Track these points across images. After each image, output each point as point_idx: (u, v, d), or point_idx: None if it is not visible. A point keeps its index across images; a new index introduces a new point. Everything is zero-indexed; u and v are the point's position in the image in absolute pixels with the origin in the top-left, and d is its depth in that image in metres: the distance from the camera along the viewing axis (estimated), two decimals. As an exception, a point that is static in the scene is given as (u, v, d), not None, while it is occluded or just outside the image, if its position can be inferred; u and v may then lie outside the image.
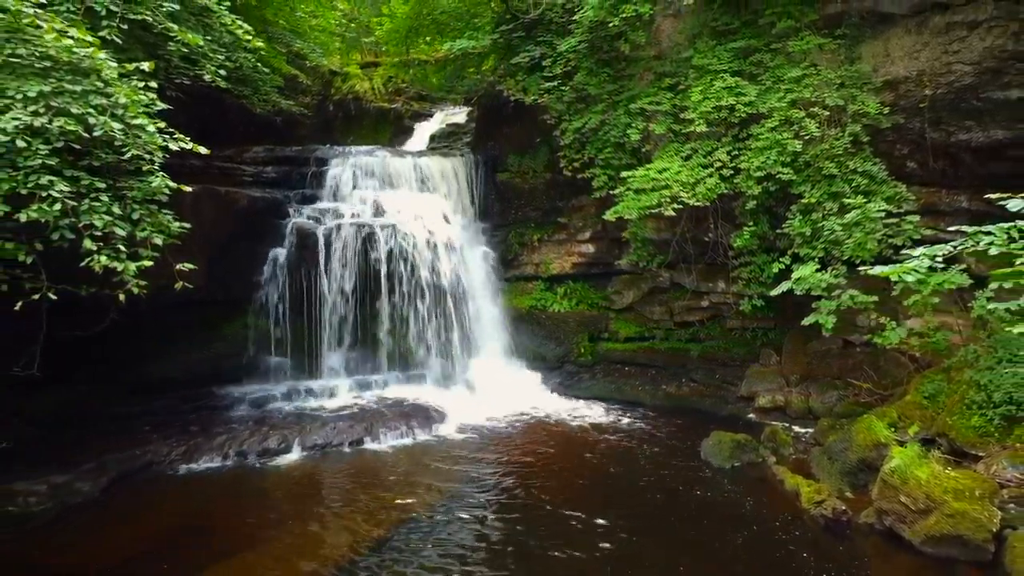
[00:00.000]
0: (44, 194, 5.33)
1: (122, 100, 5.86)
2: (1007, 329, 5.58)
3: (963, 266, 6.38)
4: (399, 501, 7.09)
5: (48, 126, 5.34)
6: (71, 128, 5.41)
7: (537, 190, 12.70)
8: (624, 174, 9.64)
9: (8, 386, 6.58)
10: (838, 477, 7.10)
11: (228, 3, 9.52)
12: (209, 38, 9.09)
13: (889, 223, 7.55)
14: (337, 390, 10.70)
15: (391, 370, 11.36)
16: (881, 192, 7.99)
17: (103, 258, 5.60)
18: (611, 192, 10.12)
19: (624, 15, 9.72)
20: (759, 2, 9.30)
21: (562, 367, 12.07)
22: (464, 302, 11.91)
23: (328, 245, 11.07)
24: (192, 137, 6.56)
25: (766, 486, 7.35)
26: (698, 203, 8.86)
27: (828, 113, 8.27)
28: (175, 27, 7.84)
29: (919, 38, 7.84)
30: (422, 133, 18.48)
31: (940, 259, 5.76)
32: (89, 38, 5.94)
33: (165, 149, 6.21)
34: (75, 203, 5.52)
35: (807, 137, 8.28)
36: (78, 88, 5.64)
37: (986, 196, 5.92)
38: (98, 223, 5.59)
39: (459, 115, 18.68)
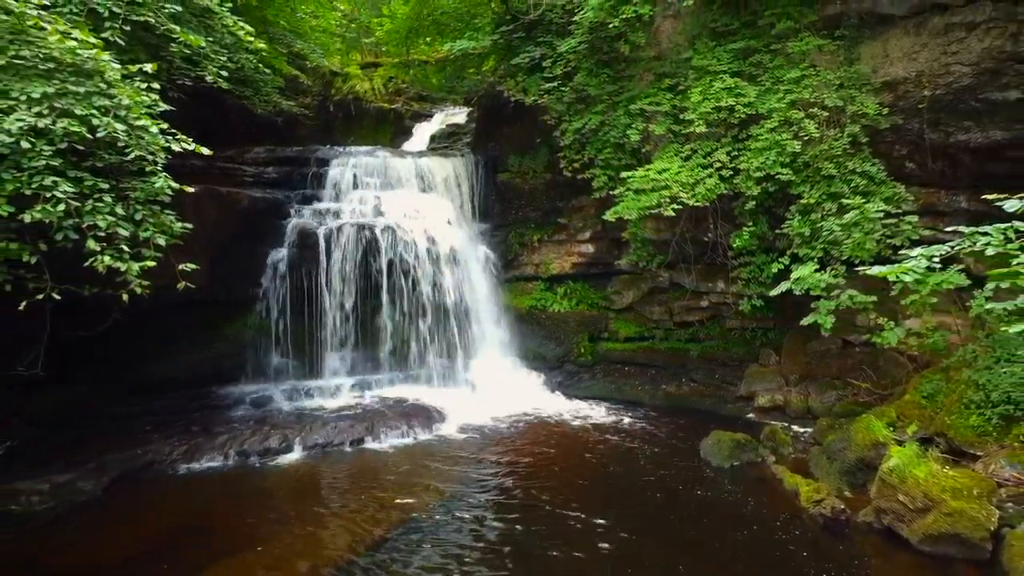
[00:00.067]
0: (48, 195, 5.37)
1: (125, 101, 5.90)
2: (1003, 329, 5.61)
3: (961, 266, 6.40)
4: (400, 501, 7.11)
5: (52, 127, 5.38)
6: (75, 129, 5.45)
7: (537, 190, 12.73)
8: (624, 174, 9.68)
9: (8, 386, 6.62)
10: (837, 476, 7.13)
11: (229, 4, 9.56)
12: (211, 39, 9.14)
13: (888, 223, 7.57)
14: (338, 390, 10.74)
15: (392, 370, 11.40)
16: (880, 192, 8.03)
17: (106, 258, 5.64)
18: (611, 192, 10.16)
19: (624, 16, 9.77)
20: (758, 3, 9.33)
21: (562, 367, 12.10)
22: (464, 302, 11.94)
23: (329, 245, 11.11)
24: (194, 138, 6.60)
25: (765, 485, 7.37)
26: (698, 203, 8.88)
27: (827, 114, 8.30)
28: (177, 29, 7.88)
29: (918, 39, 7.87)
30: (422, 133, 18.52)
31: (937, 259, 5.79)
32: (92, 40, 5.99)
33: (168, 150, 6.25)
34: (79, 204, 5.56)
35: (806, 138, 8.31)
36: (82, 89, 5.68)
37: (983, 197, 5.96)
38: (101, 223, 5.62)
39: (459, 115, 18.71)
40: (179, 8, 8.13)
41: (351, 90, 19.71)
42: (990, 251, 5.07)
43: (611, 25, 9.91)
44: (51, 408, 8.66)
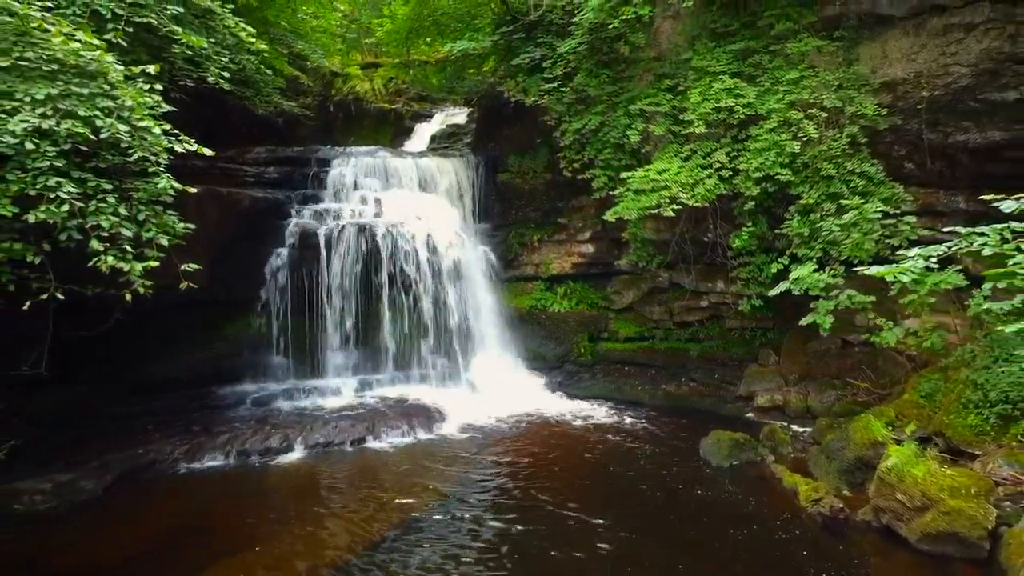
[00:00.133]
0: (52, 195, 5.41)
1: (128, 102, 5.94)
2: (998, 329, 5.64)
3: (960, 267, 6.43)
4: (400, 501, 7.14)
5: (56, 128, 5.42)
6: (78, 130, 5.48)
7: (537, 190, 12.77)
8: (624, 175, 9.71)
9: (8, 386, 6.65)
10: (836, 475, 7.16)
11: (231, 6, 9.60)
12: (212, 40, 9.17)
13: (887, 224, 7.60)
14: (339, 389, 10.78)
15: (392, 369, 11.44)
16: (879, 193, 8.05)
17: (110, 258, 5.68)
18: (611, 193, 10.19)
19: (624, 17, 9.80)
20: (758, 4, 9.36)
21: (562, 367, 12.13)
22: (465, 302, 11.97)
23: (329, 245, 11.15)
24: (195, 138, 6.63)
25: (765, 484, 7.40)
26: (697, 204, 8.91)
27: (826, 114, 8.33)
28: (179, 30, 7.91)
29: (917, 40, 7.90)
30: (422, 134, 18.56)
31: (935, 260, 5.82)
32: (95, 41, 6.01)
33: (170, 151, 6.29)
34: (82, 204, 5.60)
35: (805, 138, 8.34)
36: (85, 91, 5.72)
37: (980, 197, 5.98)
38: (105, 224, 5.66)
39: (459, 116, 18.74)
40: (181, 9, 8.17)
41: (351, 90, 19.75)
42: (987, 251, 5.11)
43: (611, 26, 9.94)
44: (51, 408, 8.68)
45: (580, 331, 12.23)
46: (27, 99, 5.43)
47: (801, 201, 8.41)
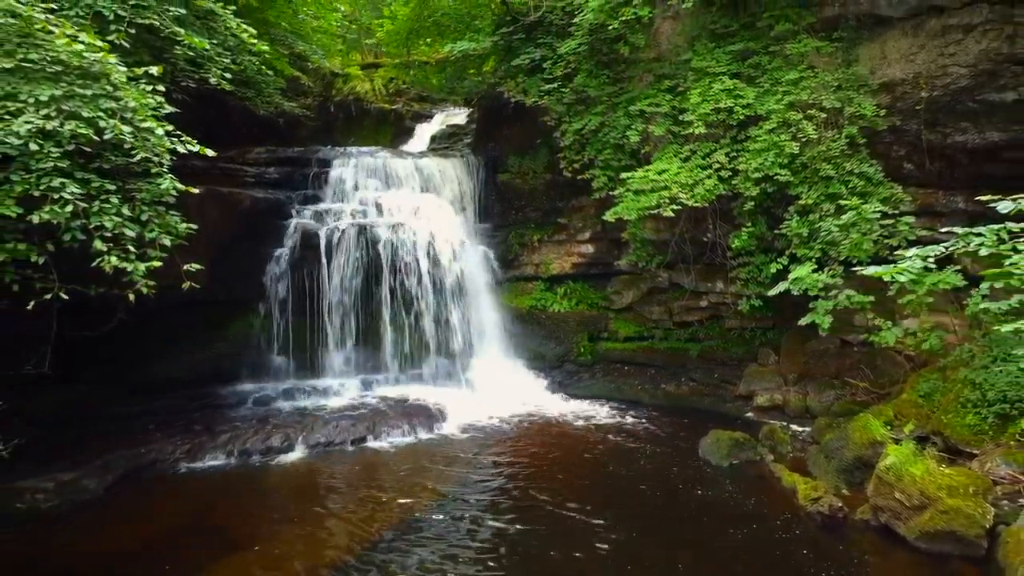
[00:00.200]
0: (56, 196, 5.44)
1: (131, 103, 5.98)
2: (994, 328, 5.68)
3: (958, 267, 6.47)
4: (400, 500, 7.16)
5: (60, 129, 5.45)
6: (82, 131, 5.52)
7: (537, 191, 12.80)
8: (623, 175, 9.74)
9: (8, 386, 6.68)
10: (835, 475, 7.19)
11: (232, 7, 9.63)
12: (214, 42, 9.20)
13: (885, 224, 7.62)
14: (340, 389, 10.80)
15: (393, 369, 11.46)
16: (877, 193, 8.08)
17: (113, 258, 5.71)
18: (611, 193, 10.22)
19: (624, 18, 9.82)
20: (757, 5, 9.39)
21: (562, 366, 12.16)
22: (465, 302, 12.00)
23: (330, 245, 11.19)
24: (197, 139, 6.67)
25: (764, 484, 7.43)
26: (697, 204, 8.94)
27: (825, 115, 8.35)
28: (181, 31, 7.95)
29: (915, 41, 7.92)
30: (423, 134, 18.58)
31: (932, 260, 5.85)
32: (99, 43, 6.05)
33: (173, 152, 6.32)
34: (86, 205, 5.63)
35: (804, 139, 8.37)
36: (88, 92, 5.75)
37: (977, 198, 6.02)
38: (108, 224, 5.69)
39: (459, 116, 18.77)
40: (183, 11, 8.21)
41: (352, 91, 19.79)
42: (983, 252, 5.15)
43: (611, 27, 9.97)
44: (51, 408, 8.68)
45: (580, 331, 12.26)
46: (31, 100, 5.46)
47: (800, 201, 8.44)
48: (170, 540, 6.31)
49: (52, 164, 5.45)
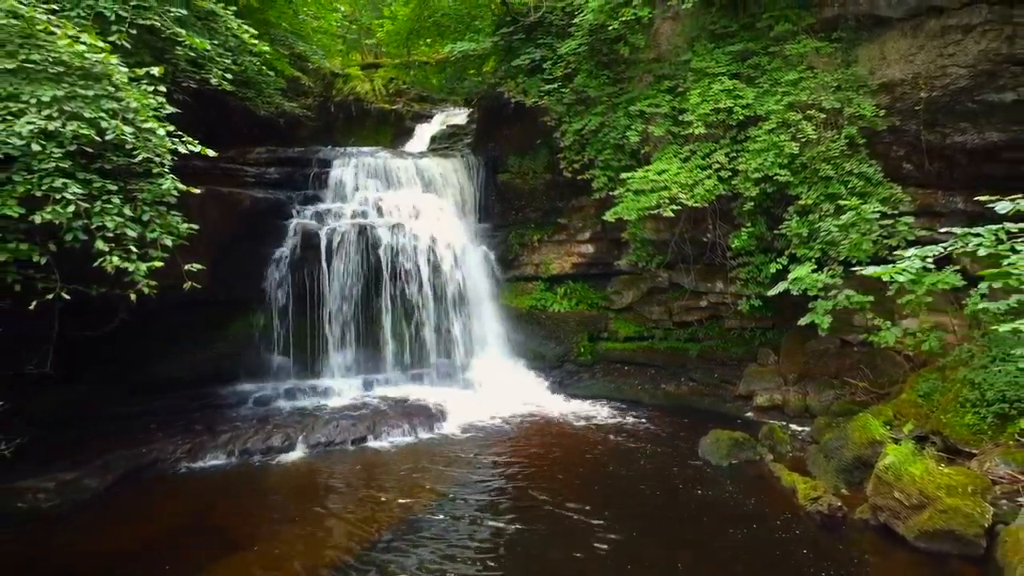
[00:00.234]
0: (58, 196, 5.47)
1: (133, 104, 6.00)
2: (993, 328, 5.70)
3: (957, 267, 6.49)
4: (401, 500, 7.18)
5: (62, 130, 5.48)
6: (84, 132, 5.54)
7: (537, 191, 12.82)
8: (623, 175, 9.76)
9: (8, 385, 6.70)
10: (834, 474, 7.21)
11: (233, 8, 9.65)
12: (215, 42, 9.23)
13: (885, 224, 7.64)
14: (340, 389, 10.82)
15: (393, 369, 11.48)
16: (876, 194, 8.09)
17: (115, 259, 5.74)
18: (611, 193, 10.24)
19: (624, 18, 9.85)
20: (756, 6, 9.41)
21: (562, 366, 12.17)
22: (465, 302, 12.03)
23: (330, 245, 11.21)
24: (198, 139, 6.69)
25: (764, 483, 7.45)
26: (696, 204, 8.96)
27: (824, 116, 8.37)
28: (182, 32, 7.97)
29: (914, 41, 7.94)
30: (423, 134, 18.61)
31: (930, 260, 5.87)
32: (100, 43, 6.07)
33: (174, 152, 6.34)
34: (88, 205, 5.66)
35: (804, 139, 8.38)
36: (90, 93, 5.78)
37: (975, 198, 6.04)
38: (110, 224, 5.72)
39: (460, 116, 18.80)
40: (184, 12, 8.23)
41: (352, 91, 19.81)
42: (982, 252, 5.17)
43: (611, 27, 9.99)
44: (51, 408, 8.68)
45: (580, 331, 12.28)
46: (33, 101, 5.49)
47: (800, 202, 8.45)
48: (170, 540, 6.32)
49: (54, 164, 5.48)
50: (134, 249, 5.94)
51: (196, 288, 6.69)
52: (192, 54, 8.45)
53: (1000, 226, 5.25)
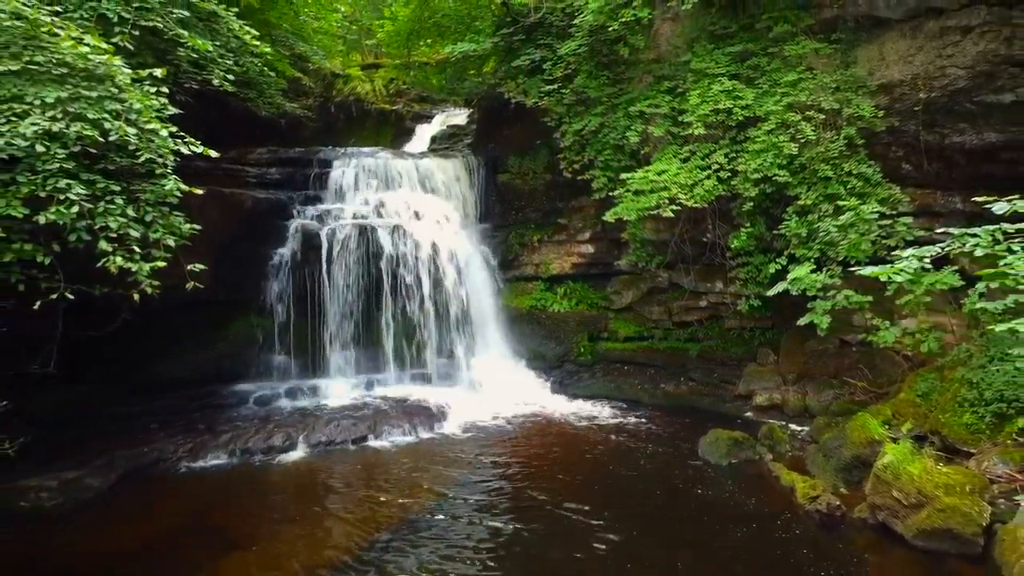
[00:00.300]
0: (62, 197, 5.51)
1: (136, 105, 6.03)
2: (991, 328, 5.73)
3: (956, 267, 6.51)
4: (401, 500, 7.20)
5: (65, 131, 5.51)
6: (87, 133, 5.58)
7: (537, 191, 12.85)
8: (623, 176, 9.79)
9: (8, 385, 6.74)
10: (833, 473, 7.24)
11: (235, 9, 9.68)
12: (217, 43, 9.25)
13: (883, 224, 7.65)
14: (341, 389, 10.85)
15: (394, 369, 11.49)
16: (875, 194, 8.12)
17: (118, 259, 5.77)
18: (610, 193, 10.26)
19: (623, 19, 9.87)
20: (756, 7, 9.43)
21: (562, 366, 12.20)
22: (465, 302, 12.05)
23: (331, 245, 11.24)
24: (199, 139, 6.72)
25: (763, 482, 7.47)
26: (696, 205, 8.98)
27: (824, 116, 8.39)
28: (185, 33, 8.01)
29: (913, 42, 7.96)
30: (423, 134, 18.65)
31: (928, 260, 5.90)
32: (104, 45, 6.10)
33: (176, 153, 6.37)
34: (91, 205, 5.69)
35: (803, 140, 8.41)
36: (94, 94, 5.81)
37: (973, 199, 6.07)
38: (113, 225, 5.75)
39: (460, 117, 18.84)
40: (186, 13, 8.26)
41: (352, 91, 19.85)
42: (979, 252, 5.20)
43: (611, 28, 10.01)
44: (51, 408, 8.71)
45: (580, 331, 12.31)
46: (37, 102, 5.53)
47: (799, 202, 8.48)
48: (171, 540, 6.34)
49: (58, 165, 5.51)
50: (137, 249, 5.96)
51: (198, 288, 6.70)
52: (194, 55, 8.48)
53: (997, 226, 5.28)
